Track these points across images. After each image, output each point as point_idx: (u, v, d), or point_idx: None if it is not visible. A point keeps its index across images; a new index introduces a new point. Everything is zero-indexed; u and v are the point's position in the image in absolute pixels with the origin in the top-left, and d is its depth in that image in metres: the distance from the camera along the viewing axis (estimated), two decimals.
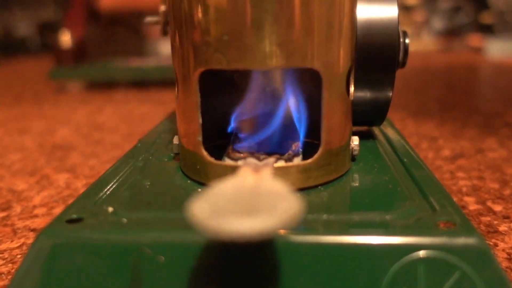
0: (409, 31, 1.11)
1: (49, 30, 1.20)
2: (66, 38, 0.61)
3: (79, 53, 0.65)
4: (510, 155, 0.33)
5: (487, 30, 1.07)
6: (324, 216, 0.17)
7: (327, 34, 0.18)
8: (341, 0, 0.19)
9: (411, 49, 1.11)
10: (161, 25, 0.27)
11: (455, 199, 0.26)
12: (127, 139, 0.42)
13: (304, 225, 0.16)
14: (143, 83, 0.70)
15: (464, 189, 0.27)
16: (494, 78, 0.76)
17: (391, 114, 0.47)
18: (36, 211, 0.27)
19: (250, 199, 0.13)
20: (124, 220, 0.17)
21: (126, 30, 0.72)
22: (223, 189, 0.13)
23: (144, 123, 0.49)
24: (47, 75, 0.69)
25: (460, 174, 0.30)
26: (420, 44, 1.12)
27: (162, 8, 0.26)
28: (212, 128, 0.23)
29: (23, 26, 1.26)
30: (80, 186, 0.30)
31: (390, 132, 0.28)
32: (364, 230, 0.16)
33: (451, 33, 1.21)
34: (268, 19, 0.17)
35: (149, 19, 0.28)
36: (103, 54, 0.72)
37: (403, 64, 0.25)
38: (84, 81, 0.69)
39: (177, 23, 0.19)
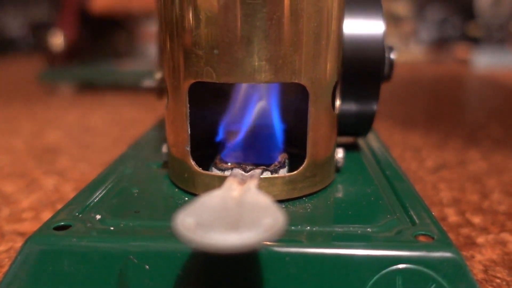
0: (397, 41, 1.12)
1: (41, 30, 1.19)
2: (58, 40, 0.61)
3: (71, 55, 0.65)
4: (490, 168, 0.34)
5: (474, 41, 1.09)
6: (308, 228, 0.18)
7: (314, 50, 0.19)
8: (329, 17, 0.19)
9: (400, 59, 1.13)
10: (157, 90, 0.28)
11: (435, 210, 0.27)
12: (117, 143, 0.42)
13: (289, 236, 0.17)
14: (134, 86, 0.70)
15: (445, 201, 0.28)
16: (479, 90, 0.78)
17: (378, 123, 0.48)
18: (24, 215, 0.27)
19: (235, 211, 0.13)
20: (112, 228, 0.17)
21: (118, 33, 0.72)
22: (209, 201, 0.14)
23: (135, 127, 0.49)
24: (38, 76, 0.69)
25: (442, 185, 0.31)
26: (409, 54, 1.13)
27: (158, 75, 0.27)
28: (201, 137, 0.24)
29: (15, 25, 1.25)
30: (69, 190, 0.31)
31: (375, 144, 0.28)
32: (346, 242, 0.16)
33: (439, 44, 1.23)
34: (257, 35, 0.18)
35: (146, 83, 0.29)
36: (95, 56, 0.72)
37: (388, 78, 0.26)
38: (75, 83, 0.69)
39: (168, 34, 0.20)
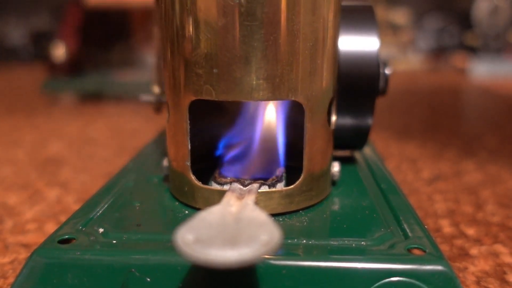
0: (395, 50, 1.13)
1: (42, 39, 1.20)
2: (60, 52, 0.62)
3: (73, 65, 0.66)
4: (485, 179, 0.35)
5: (471, 51, 1.10)
6: (304, 241, 0.18)
7: (310, 68, 0.20)
8: (325, 37, 0.20)
9: (398, 68, 1.13)
10: (154, 104, 0.29)
11: (430, 221, 0.27)
12: (119, 154, 0.43)
13: (285, 249, 0.17)
14: (135, 97, 0.71)
15: (440, 212, 0.29)
16: (476, 100, 0.78)
17: (375, 135, 0.48)
18: (28, 227, 0.27)
19: (233, 227, 0.14)
20: (114, 241, 0.18)
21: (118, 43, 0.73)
22: (208, 217, 0.14)
23: (136, 138, 0.49)
24: (40, 87, 0.69)
25: (437, 197, 0.31)
26: (407, 63, 1.14)
27: (156, 89, 0.28)
28: (202, 150, 0.25)
29: (16, 34, 1.26)
30: (72, 201, 0.31)
31: (371, 156, 0.29)
32: (340, 256, 0.17)
33: (437, 53, 1.24)
34: (255, 55, 0.19)
35: (144, 98, 0.30)
36: (96, 67, 0.73)
37: (383, 92, 0.27)
38: (76, 94, 0.70)
39: (169, 53, 0.20)
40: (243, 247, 0.12)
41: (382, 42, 1.22)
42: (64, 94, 0.69)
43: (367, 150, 0.31)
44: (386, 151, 0.43)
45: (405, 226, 0.19)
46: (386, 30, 1.22)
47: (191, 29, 0.19)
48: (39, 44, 1.23)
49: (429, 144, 0.45)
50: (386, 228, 0.19)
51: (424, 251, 0.17)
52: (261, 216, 0.15)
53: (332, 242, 0.18)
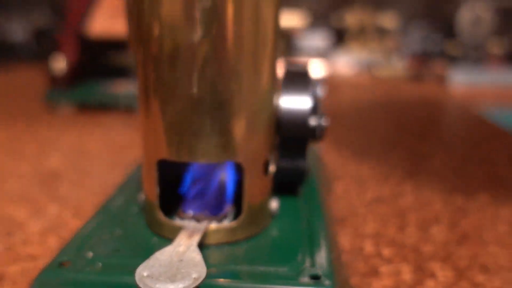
0: (381, 55, 1.18)
1: (44, 36, 1.25)
2: (61, 64, 0.68)
3: (72, 76, 0.72)
4: (416, 202, 0.41)
5: (452, 59, 1.16)
6: (239, 267, 0.25)
7: (250, 138, 0.26)
8: (264, 110, 0.27)
9: (384, 74, 1.18)
10: None
11: (358, 241, 0.34)
12: (116, 167, 0.49)
13: (225, 273, 0.24)
14: (132, 108, 0.75)
15: (368, 232, 0.36)
16: (446, 114, 0.84)
17: (337, 153, 0.55)
18: (33, 239, 0.34)
19: (176, 266, 0.21)
20: (100, 264, 0.25)
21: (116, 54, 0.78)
22: (160, 257, 0.21)
23: (132, 151, 0.55)
24: (40, 94, 0.74)
25: (370, 218, 0.38)
26: (390, 69, 1.20)
27: None
28: (172, 186, 0.31)
29: (18, 31, 1.31)
30: (70, 216, 0.38)
31: (311, 187, 0.36)
32: (257, 281, 0.23)
33: (421, 60, 1.30)
34: (205, 130, 0.25)
35: None
36: (94, 78, 0.78)
37: (320, 138, 0.33)
38: (75, 104, 0.74)
39: (144, 120, 0.27)
40: (179, 282, 0.19)
41: (368, 48, 1.28)
42: (63, 104, 0.74)
43: (308, 182, 0.37)
44: (342, 170, 0.50)
45: (316, 255, 0.26)
46: (373, 35, 1.28)
47: (158, 109, 0.25)
48: (41, 41, 1.28)
49: (382, 164, 0.52)
50: (302, 257, 0.26)
51: (319, 278, 0.24)
52: (197, 257, 0.21)
53: (258, 268, 0.25)
